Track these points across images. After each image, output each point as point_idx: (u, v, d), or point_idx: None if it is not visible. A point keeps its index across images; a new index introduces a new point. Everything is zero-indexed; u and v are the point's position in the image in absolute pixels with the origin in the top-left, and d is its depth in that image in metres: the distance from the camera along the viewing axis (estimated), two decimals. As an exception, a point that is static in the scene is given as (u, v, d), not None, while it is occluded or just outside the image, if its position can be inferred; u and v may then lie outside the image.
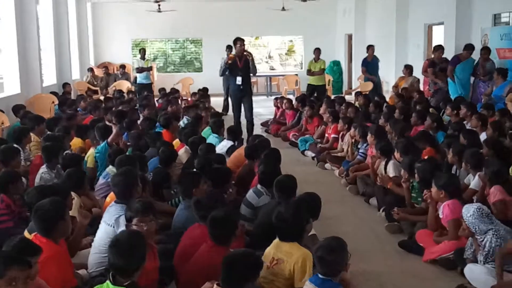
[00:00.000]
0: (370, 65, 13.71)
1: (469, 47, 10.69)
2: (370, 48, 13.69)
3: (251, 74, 10.13)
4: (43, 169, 5.87)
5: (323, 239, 3.53)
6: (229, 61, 9.82)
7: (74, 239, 4.18)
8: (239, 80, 9.95)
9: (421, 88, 12.50)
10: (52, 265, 3.47)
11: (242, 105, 10.18)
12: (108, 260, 3.23)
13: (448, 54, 11.35)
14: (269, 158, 6.00)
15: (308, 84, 14.17)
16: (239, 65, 9.90)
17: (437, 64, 11.17)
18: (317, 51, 14.11)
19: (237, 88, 10.07)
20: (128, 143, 7.73)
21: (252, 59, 10.06)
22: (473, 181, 5.46)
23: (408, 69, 12.89)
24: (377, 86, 13.75)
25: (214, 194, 4.95)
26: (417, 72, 13.79)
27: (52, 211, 3.64)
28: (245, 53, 9.99)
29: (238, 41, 9.88)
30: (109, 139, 6.90)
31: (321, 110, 10.40)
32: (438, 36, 13.88)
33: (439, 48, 11.32)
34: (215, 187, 5.18)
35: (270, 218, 3.98)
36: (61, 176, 5.66)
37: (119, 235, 3.40)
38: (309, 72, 13.95)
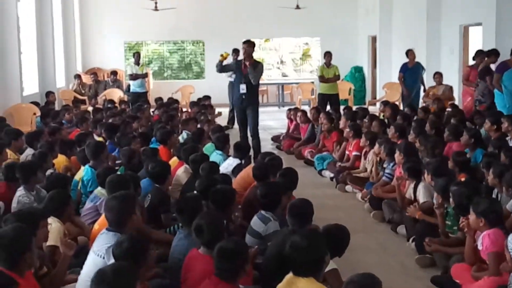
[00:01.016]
0: (409, 73, 13.43)
1: None
2: (410, 52, 13.47)
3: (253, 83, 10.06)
4: (20, 191, 5.85)
5: (355, 275, 3.49)
6: (222, 59, 10.06)
7: (57, 273, 4.18)
8: (243, 88, 9.98)
9: (456, 99, 12.50)
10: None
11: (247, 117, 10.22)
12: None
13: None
14: (284, 178, 5.99)
15: (320, 94, 14.17)
16: (243, 71, 9.95)
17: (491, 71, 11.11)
18: (328, 55, 14.16)
19: (239, 97, 10.12)
20: (118, 161, 7.76)
21: (257, 65, 9.98)
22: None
23: (440, 76, 12.90)
24: (414, 97, 13.46)
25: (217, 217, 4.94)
26: (451, 80, 13.82)
27: (15, 242, 3.64)
28: (252, 58, 9.96)
29: (245, 43, 9.94)
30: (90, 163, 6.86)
31: (341, 124, 10.40)
32: (476, 39, 13.88)
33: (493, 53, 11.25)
34: (217, 210, 5.18)
35: (282, 249, 3.97)
36: (41, 199, 5.68)
37: (106, 268, 3.42)
38: (323, 79, 13.93)
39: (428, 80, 13.55)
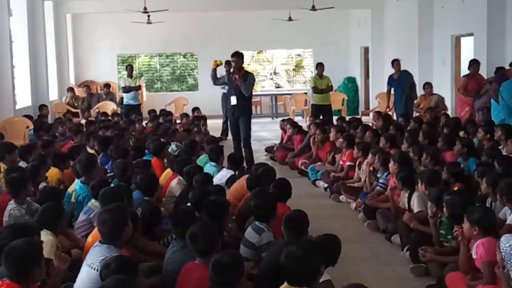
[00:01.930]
0: (396, 83, 13.37)
1: None
2: (395, 62, 13.46)
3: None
4: (11, 205, 5.81)
5: (346, 286, 3.48)
6: (215, 66, 10.21)
7: (51, 286, 4.15)
8: (233, 100, 10.17)
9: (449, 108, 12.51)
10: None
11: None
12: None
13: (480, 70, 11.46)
14: (276, 190, 6.00)
15: (313, 105, 14.18)
16: (234, 83, 10.09)
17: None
18: (321, 66, 14.16)
19: (231, 109, 10.35)
20: (109, 174, 7.74)
21: (247, 77, 10.05)
22: (511, 216, 5.43)
23: (430, 87, 12.96)
24: (405, 105, 13.39)
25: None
26: (443, 90, 13.87)
27: (28, 255, 3.64)
28: (242, 71, 10.08)
29: (233, 56, 10.04)
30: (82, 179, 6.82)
31: (332, 137, 10.35)
32: (467, 49, 13.95)
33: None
34: (211, 221, 5.16)
35: (277, 260, 3.96)
36: (32, 212, 5.65)
37: (107, 283, 3.40)
38: (317, 90, 13.94)
39: (419, 90, 13.56)
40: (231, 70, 10.27)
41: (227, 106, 10.57)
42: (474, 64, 11.40)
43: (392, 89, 13.45)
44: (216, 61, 10.35)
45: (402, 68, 13.54)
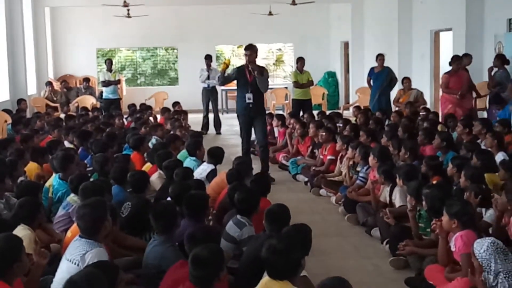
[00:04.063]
0: (374, 77, 13.37)
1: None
2: (379, 57, 13.37)
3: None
4: (-11, 199, 5.79)
5: (326, 279, 3.48)
6: (224, 67, 9.18)
7: (30, 281, 4.12)
8: (249, 97, 9.13)
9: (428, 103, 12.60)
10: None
11: (253, 128, 9.47)
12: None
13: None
14: (255, 185, 6.01)
15: (294, 99, 14.15)
16: (249, 78, 9.14)
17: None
18: (301, 60, 14.09)
19: (246, 106, 9.23)
20: (89, 168, 7.68)
21: (263, 72, 9.15)
22: (488, 212, 5.47)
23: (408, 81, 13.03)
24: (380, 100, 13.47)
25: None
26: (422, 84, 13.96)
27: (7, 251, 3.62)
28: (257, 65, 9.19)
29: (247, 49, 9.15)
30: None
31: (311, 132, 10.29)
32: (446, 44, 14.04)
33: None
34: (191, 215, 5.15)
35: (259, 253, 3.96)
36: (11, 207, 5.60)
37: (76, 276, 3.40)
38: (297, 84, 13.92)
39: (399, 85, 13.61)
40: (246, 63, 9.18)
41: (238, 104, 9.48)
42: (456, 60, 11.09)
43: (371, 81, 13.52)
44: (225, 62, 9.33)
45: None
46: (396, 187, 6.52)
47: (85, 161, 8.10)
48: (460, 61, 11.10)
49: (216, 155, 7.80)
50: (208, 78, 14.72)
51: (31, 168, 7.54)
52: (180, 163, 7.08)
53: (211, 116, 15.09)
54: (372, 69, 13.52)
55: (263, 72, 9.12)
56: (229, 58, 9.66)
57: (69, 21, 20.48)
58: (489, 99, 11.34)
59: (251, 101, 9.13)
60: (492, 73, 10.90)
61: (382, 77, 13.21)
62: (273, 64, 25.63)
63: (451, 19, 13.20)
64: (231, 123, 15.83)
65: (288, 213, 4.93)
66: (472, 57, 11.34)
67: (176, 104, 14.53)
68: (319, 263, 5.55)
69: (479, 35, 12.30)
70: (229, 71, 9.45)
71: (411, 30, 15.55)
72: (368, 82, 13.63)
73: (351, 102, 18.31)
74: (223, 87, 16.32)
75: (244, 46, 9.43)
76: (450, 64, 11.22)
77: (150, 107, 14.60)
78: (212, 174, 7.33)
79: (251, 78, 9.10)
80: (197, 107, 15.69)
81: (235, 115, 9.85)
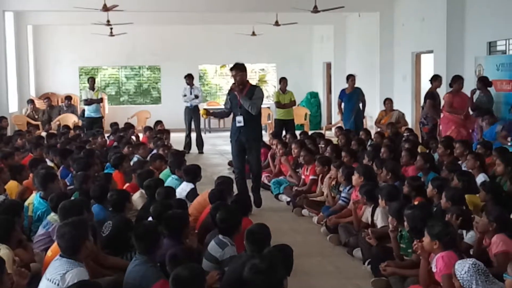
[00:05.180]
0: (346, 98, 13.49)
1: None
2: (351, 78, 13.54)
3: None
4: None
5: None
6: (206, 117, 8.87)
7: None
8: (239, 120, 8.50)
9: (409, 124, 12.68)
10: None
11: (246, 155, 8.79)
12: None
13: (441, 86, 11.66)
14: (237, 204, 6.00)
15: (276, 119, 14.20)
16: (238, 100, 8.47)
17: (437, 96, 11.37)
18: (284, 81, 14.16)
19: (236, 130, 8.64)
20: (70, 187, 7.62)
21: (253, 92, 8.46)
22: (469, 233, 5.48)
23: (390, 102, 13.13)
24: (354, 121, 13.57)
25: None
26: (404, 106, 14.08)
27: None
28: (246, 85, 8.51)
29: (231, 70, 8.51)
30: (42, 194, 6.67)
31: (294, 153, 10.29)
32: (427, 66, 14.20)
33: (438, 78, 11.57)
34: (170, 235, 5.12)
35: (241, 273, 3.93)
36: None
37: None
38: (280, 105, 13.97)
39: (380, 106, 13.74)
40: (232, 86, 8.56)
41: (231, 128, 8.85)
42: (458, 80, 10.93)
43: (343, 104, 13.60)
44: (202, 113, 9.15)
45: (361, 84, 13.71)
46: (378, 207, 6.53)
47: (66, 180, 8.03)
48: (461, 81, 10.95)
49: (192, 172, 7.76)
50: (196, 97, 14.75)
51: (12, 186, 7.46)
52: (161, 182, 7.05)
53: (193, 135, 15.07)
54: (343, 90, 13.64)
55: (253, 92, 8.45)
56: (203, 110, 9.23)
57: (51, 39, 20.43)
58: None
59: (242, 124, 8.48)
60: (474, 96, 10.99)
61: (354, 98, 13.41)
62: (256, 84, 25.75)
63: (432, 42, 13.36)
64: (213, 143, 15.82)
65: (269, 233, 4.91)
66: (463, 80, 11.02)
67: (158, 123, 14.48)
68: (301, 284, 5.52)
69: (459, 58, 12.45)
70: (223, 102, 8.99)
71: (392, 52, 15.71)
72: (339, 105, 13.74)
73: (333, 122, 18.41)
74: (205, 106, 16.32)
75: (227, 66, 9.42)
76: (451, 84, 11.06)
77: (132, 126, 14.56)
78: (192, 193, 7.31)
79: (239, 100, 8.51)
80: (180, 126, 15.67)
81: (217, 134, 9.83)
